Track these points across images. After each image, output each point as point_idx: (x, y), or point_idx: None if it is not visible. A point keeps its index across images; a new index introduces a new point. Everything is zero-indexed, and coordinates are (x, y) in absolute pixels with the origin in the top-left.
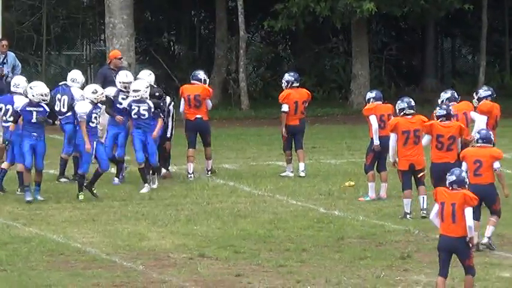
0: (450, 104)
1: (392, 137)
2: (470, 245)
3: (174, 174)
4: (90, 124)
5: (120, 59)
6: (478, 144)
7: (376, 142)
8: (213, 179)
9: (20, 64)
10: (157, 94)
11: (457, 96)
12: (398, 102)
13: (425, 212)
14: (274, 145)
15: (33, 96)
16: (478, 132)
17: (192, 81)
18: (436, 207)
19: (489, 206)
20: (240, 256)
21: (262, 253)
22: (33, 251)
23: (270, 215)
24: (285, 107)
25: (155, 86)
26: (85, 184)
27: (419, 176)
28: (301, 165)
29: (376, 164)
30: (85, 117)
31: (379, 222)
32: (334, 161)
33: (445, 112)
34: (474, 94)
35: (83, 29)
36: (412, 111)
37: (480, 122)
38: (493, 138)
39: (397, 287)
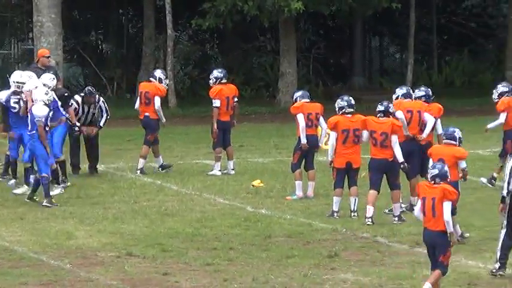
0: (406, 100)
1: (332, 136)
2: (451, 241)
3: (102, 173)
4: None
5: (48, 57)
6: (444, 142)
7: (304, 141)
8: (140, 177)
9: None
10: (66, 94)
11: (411, 93)
12: (338, 100)
13: (355, 214)
14: (201, 143)
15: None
16: (444, 130)
17: (149, 79)
18: (419, 202)
19: None
20: (168, 255)
21: (189, 251)
22: None
23: (197, 214)
24: (216, 102)
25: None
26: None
27: (362, 175)
28: (230, 163)
29: (303, 162)
30: (43, 120)
31: (306, 221)
32: (261, 159)
33: (383, 108)
34: (494, 90)
35: (11, 28)
36: (351, 109)
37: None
38: (458, 136)
39: (324, 286)
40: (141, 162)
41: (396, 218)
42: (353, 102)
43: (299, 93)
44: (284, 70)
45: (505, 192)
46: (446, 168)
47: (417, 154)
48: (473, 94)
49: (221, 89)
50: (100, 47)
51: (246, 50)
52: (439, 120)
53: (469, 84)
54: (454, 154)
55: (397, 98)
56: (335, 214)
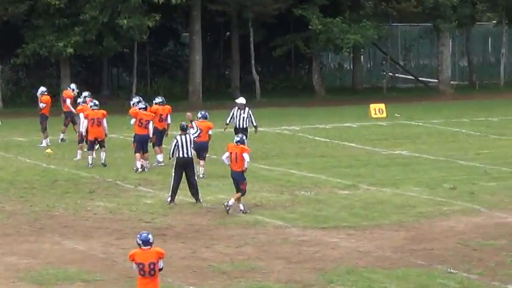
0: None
1: (85, 122)
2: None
3: None
4: None
5: None
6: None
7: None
8: None
9: None
10: None
11: (142, 100)
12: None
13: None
14: None
15: None
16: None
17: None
18: (227, 154)
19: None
20: None
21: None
22: None
23: (13, 168)
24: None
25: None
26: None
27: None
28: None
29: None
30: None
31: (75, 171)
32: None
33: (144, 106)
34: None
35: None
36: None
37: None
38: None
39: (87, 208)
40: None
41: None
42: (97, 103)
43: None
44: (63, 87)
45: None
46: (244, 137)
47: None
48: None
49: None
50: None
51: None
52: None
53: (169, 95)
54: (208, 125)
55: (133, 103)
56: (89, 165)
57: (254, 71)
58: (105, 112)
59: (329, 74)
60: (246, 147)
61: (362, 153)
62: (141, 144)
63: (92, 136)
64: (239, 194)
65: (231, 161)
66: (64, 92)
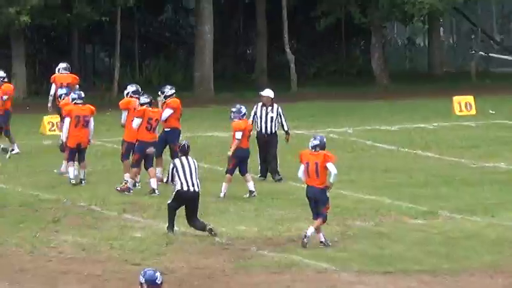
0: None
1: (67, 121)
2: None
3: None
4: None
5: None
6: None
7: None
8: None
9: None
10: None
11: (139, 90)
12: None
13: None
14: None
15: None
16: None
17: None
18: (302, 166)
19: None
20: None
21: None
22: None
23: None
24: None
25: None
26: None
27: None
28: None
29: None
30: None
31: (34, 193)
32: None
33: (148, 100)
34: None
35: None
36: (81, 100)
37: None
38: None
39: (50, 245)
40: None
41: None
42: (83, 95)
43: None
44: (15, 71)
45: None
46: (325, 140)
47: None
48: None
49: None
50: None
51: None
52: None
53: (165, 83)
54: None
55: (128, 94)
56: (72, 181)
57: (288, 49)
58: (93, 108)
59: (395, 54)
60: (329, 153)
61: (443, 166)
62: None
63: (74, 141)
64: (319, 220)
65: (308, 175)
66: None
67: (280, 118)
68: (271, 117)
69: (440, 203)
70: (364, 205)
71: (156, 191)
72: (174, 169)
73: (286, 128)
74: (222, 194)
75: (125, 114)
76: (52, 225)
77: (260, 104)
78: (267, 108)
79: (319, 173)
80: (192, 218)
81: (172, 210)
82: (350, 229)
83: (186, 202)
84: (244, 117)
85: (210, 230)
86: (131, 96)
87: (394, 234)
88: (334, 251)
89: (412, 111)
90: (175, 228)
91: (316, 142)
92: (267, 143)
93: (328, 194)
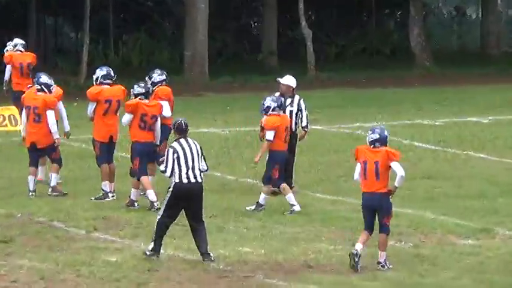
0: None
1: (24, 113)
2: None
3: None
4: None
5: None
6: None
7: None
8: None
9: None
10: None
11: (112, 74)
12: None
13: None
14: None
15: None
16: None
17: None
18: (359, 166)
19: None
20: None
21: None
22: None
23: None
24: None
25: None
26: None
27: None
28: None
29: None
30: None
31: None
32: None
33: (143, 90)
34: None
35: None
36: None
37: None
38: None
39: (0, 271)
40: None
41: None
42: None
43: None
44: None
45: None
46: (386, 132)
47: None
48: None
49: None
50: None
51: None
52: None
53: (147, 64)
54: None
55: (96, 79)
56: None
57: (304, 22)
58: (53, 99)
59: (439, 28)
60: (392, 150)
61: (500, 171)
62: (145, 159)
63: (30, 139)
64: (383, 236)
65: (365, 177)
66: None
67: (301, 113)
68: (290, 112)
69: (498, 219)
70: (400, 221)
71: (136, 204)
72: (175, 154)
73: (305, 123)
74: (296, 207)
75: (92, 106)
76: (3, 246)
77: (277, 94)
78: (285, 100)
79: (380, 175)
80: (198, 226)
81: (163, 225)
82: None
83: (187, 200)
84: (280, 112)
85: (205, 254)
86: (101, 83)
87: (438, 259)
88: (361, 279)
89: (461, 101)
90: (161, 251)
91: (375, 136)
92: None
93: (391, 200)
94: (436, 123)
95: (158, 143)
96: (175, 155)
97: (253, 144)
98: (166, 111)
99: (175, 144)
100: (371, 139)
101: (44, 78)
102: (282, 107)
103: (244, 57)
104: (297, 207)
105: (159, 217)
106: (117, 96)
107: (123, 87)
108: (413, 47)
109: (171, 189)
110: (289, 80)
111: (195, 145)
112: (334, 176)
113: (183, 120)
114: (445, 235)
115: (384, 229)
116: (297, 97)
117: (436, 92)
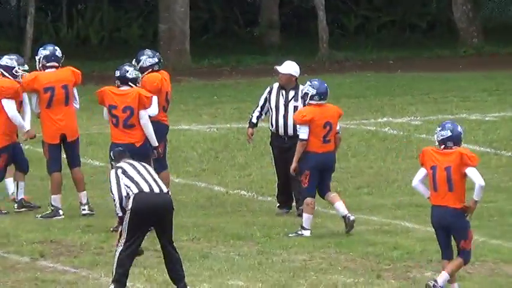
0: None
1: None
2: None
3: None
4: None
5: None
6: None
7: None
8: None
9: None
10: None
11: (58, 56)
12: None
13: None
14: None
15: None
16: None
17: None
18: (423, 172)
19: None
20: None
21: None
22: None
23: None
24: None
25: None
26: None
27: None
28: None
29: None
30: None
31: None
32: None
33: (132, 76)
34: None
35: None
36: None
37: None
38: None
39: None
40: None
41: None
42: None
43: None
44: None
45: None
46: (460, 128)
47: None
48: (116, 54)
49: None
50: None
51: None
52: None
53: (110, 41)
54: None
55: (39, 61)
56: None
57: None
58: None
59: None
60: (467, 151)
61: None
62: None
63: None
64: (458, 260)
65: (434, 186)
66: None
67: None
68: (294, 108)
69: None
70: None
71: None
72: (119, 170)
73: None
74: (306, 232)
75: (34, 98)
76: None
77: (276, 86)
78: (287, 93)
79: (454, 184)
80: (170, 252)
81: (125, 259)
82: (416, 284)
83: (154, 215)
84: (320, 100)
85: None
86: (44, 66)
87: None
88: None
89: None
90: (128, 284)
91: (447, 133)
92: (288, 151)
93: (468, 218)
94: (487, 119)
95: (153, 144)
96: (121, 170)
97: (248, 145)
98: (153, 109)
99: (122, 163)
100: (441, 137)
101: (4, 59)
102: (323, 95)
103: (236, 33)
104: (306, 233)
105: (119, 249)
106: (63, 81)
107: (72, 68)
108: (456, 19)
109: (130, 205)
110: (289, 68)
111: (141, 164)
112: (352, 187)
113: (118, 149)
114: (497, 263)
115: (462, 253)
116: (301, 88)
117: (486, 77)
